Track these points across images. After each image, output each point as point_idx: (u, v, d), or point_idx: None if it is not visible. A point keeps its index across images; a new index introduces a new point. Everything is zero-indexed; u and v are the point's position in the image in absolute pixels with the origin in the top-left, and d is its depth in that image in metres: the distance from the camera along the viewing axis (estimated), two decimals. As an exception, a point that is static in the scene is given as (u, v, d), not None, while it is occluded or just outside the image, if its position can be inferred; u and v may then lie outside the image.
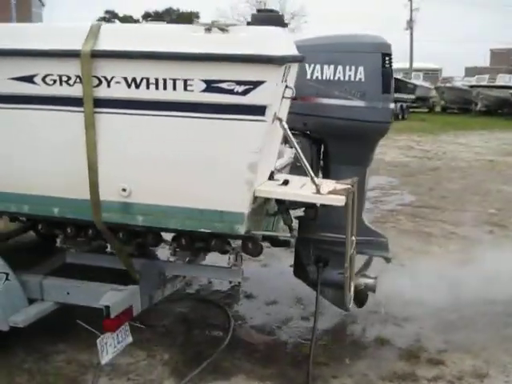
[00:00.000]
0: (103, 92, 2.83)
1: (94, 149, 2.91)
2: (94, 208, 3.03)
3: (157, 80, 2.75)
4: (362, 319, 4.05)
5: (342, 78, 3.53)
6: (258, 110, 2.70)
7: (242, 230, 2.89)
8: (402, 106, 23.69)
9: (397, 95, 25.06)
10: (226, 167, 2.80)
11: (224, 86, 2.69)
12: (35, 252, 3.96)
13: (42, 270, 3.68)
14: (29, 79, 2.91)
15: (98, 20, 33.84)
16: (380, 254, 3.92)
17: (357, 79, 3.50)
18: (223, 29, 2.68)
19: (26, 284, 3.44)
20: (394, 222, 6.38)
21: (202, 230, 2.99)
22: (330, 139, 3.73)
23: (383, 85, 3.52)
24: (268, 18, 2.91)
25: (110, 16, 33.87)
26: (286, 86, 2.85)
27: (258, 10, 3.01)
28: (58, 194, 3.09)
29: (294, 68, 2.97)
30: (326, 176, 3.79)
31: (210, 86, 2.70)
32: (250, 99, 2.68)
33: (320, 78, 3.57)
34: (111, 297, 3.20)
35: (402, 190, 8.25)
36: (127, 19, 33.79)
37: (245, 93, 2.68)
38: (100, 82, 2.82)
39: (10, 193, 3.16)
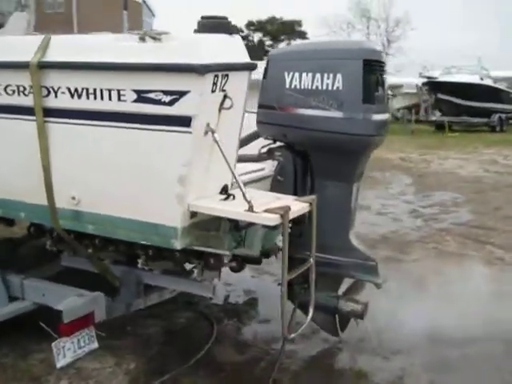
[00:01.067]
0: (51, 102, 2.91)
1: (46, 157, 3.00)
2: (52, 214, 3.12)
3: (95, 90, 2.76)
4: (349, 347, 3.74)
5: (319, 87, 3.29)
6: (184, 121, 2.60)
7: (177, 244, 2.80)
8: (500, 117, 21.92)
9: (497, 105, 23.46)
10: (158, 180, 2.74)
11: (152, 96, 2.64)
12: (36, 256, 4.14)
13: (39, 273, 3.84)
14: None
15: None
16: (367, 279, 3.59)
17: (334, 88, 3.25)
18: (155, 38, 2.63)
19: (9, 283, 3.62)
20: (438, 242, 5.84)
21: (143, 242, 2.95)
22: (312, 152, 3.50)
23: (364, 94, 3.22)
24: (213, 24, 2.78)
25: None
26: (225, 96, 2.72)
27: (203, 17, 2.89)
28: (22, 198, 3.22)
29: (239, 77, 2.82)
30: (311, 192, 3.57)
31: (141, 96, 2.67)
32: (176, 110, 2.60)
33: (298, 87, 3.36)
34: (70, 302, 3.27)
35: (463, 208, 7.54)
36: (233, 28, 34.69)
37: (171, 103, 2.61)
38: (48, 92, 2.90)
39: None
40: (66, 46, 2.90)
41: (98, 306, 3.37)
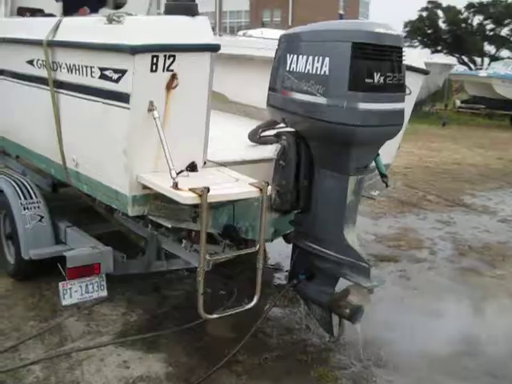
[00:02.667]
0: (58, 75, 3.35)
1: (58, 122, 3.47)
2: (65, 173, 3.62)
3: (78, 66, 3.11)
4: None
5: (310, 71, 3.11)
6: (124, 98, 2.78)
7: (130, 211, 3.02)
8: None
9: None
10: (113, 150, 2.97)
11: (107, 73, 2.87)
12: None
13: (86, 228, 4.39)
14: (31, 62, 3.65)
15: (420, 10, 33.29)
16: (356, 280, 3.32)
17: (322, 72, 3.04)
18: (118, 20, 2.83)
19: (58, 229, 4.27)
20: None
21: (113, 206, 3.24)
22: (309, 139, 3.34)
23: (350, 80, 2.95)
24: (175, 7, 2.87)
25: (432, 6, 32.57)
26: (174, 76, 2.79)
27: (171, 1, 2.96)
28: (48, 156, 3.80)
29: (195, 57, 2.84)
30: (310, 180, 3.43)
31: (102, 74, 2.92)
32: (120, 87, 2.80)
33: (295, 70, 3.22)
34: (76, 251, 3.75)
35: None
36: (450, 9, 31.99)
37: (117, 81, 2.81)
38: (56, 66, 3.34)
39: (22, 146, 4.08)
40: (65, 27, 3.29)
41: (105, 259, 3.78)
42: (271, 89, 3.46)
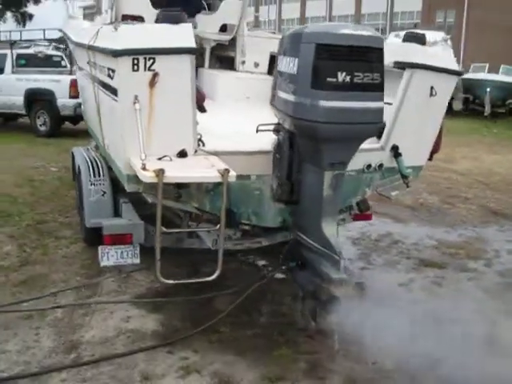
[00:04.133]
0: (95, 73, 4.07)
1: (98, 113, 4.21)
2: (105, 151, 4.36)
3: (101, 66, 3.77)
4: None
5: (287, 71, 3.38)
6: (115, 92, 3.36)
7: (127, 187, 3.60)
8: None
9: None
10: (117, 136, 3.57)
11: (110, 72, 3.48)
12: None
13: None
14: (87, 62, 4.44)
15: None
16: (327, 271, 3.47)
17: (293, 72, 3.29)
18: (115, 29, 3.43)
19: (117, 204, 5.03)
20: None
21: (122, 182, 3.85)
22: (295, 133, 3.57)
23: (313, 79, 3.15)
24: (163, 16, 3.36)
25: None
26: (155, 75, 3.27)
27: (161, 10, 3.40)
28: (99, 140, 4.57)
29: (175, 59, 3.29)
30: (298, 172, 3.66)
31: (108, 72, 3.54)
32: (113, 83, 3.39)
33: (281, 69, 3.51)
34: (115, 222, 4.44)
35: None
36: None
37: (112, 78, 3.40)
38: (94, 66, 4.06)
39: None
40: (100, 34, 3.97)
41: (136, 231, 4.40)
42: (273, 88, 3.76)
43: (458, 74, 4.22)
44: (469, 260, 5.30)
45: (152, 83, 3.31)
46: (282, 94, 3.46)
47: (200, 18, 6.76)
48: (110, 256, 4.40)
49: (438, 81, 4.07)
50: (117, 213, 4.99)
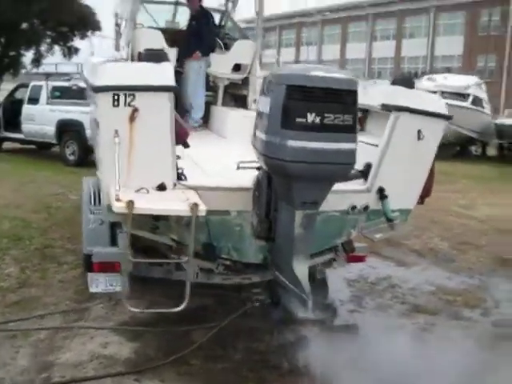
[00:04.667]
0: (91, 107, 4.28)
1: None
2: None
3: (92, 101, 3.97)
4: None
5: (262, 110, 3.49)
6: (97, 124, 3.53)
7: (108, 217, 3.73)
8: None
9: None
10: (101, 165, 3.72)
11: (95, 106, 3.66)
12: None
13: None
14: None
15: None
16: (294, 310, 3.50)
17: (266, 111, 3.39)
18: (103, 66, 3.65)
19: (115, 233, 5.17)
20: None
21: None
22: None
23: (283, 119, 3.24)
24: (146, 55, 3.58)
25: None
26: (135, 110, 3.43)
27: (145, 49, 3.58)
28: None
29: (154, 96, 3.45)
30: (275, 210, 3.72)
31: (95, 107, 3.73)
32: (97, 116, 3.56)
33: (258, 108, 3.62)
34: (104, 250, 4.56)
35: None
36: None
37: (95, 111, 3.58)
38: (91, 101, 4.27)
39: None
40: (95, 70, 4.18)
41: (124, 260, 4.52)
42: (254, 128, 3.86)
43: (446, 118, 4.23)
44: (465, 308, 5.17)
45: (132, 118, 3.46)
46: (258, 133, 3.56)
47: (214, 57, 7.02)
48: (98, 283, 4.51)
49: (426, 124, 4.10)
50: (114, 242, 5.15)
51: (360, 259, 4.98)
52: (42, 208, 7.87)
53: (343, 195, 4.15)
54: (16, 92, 14.08)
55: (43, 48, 26.51)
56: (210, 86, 7.20)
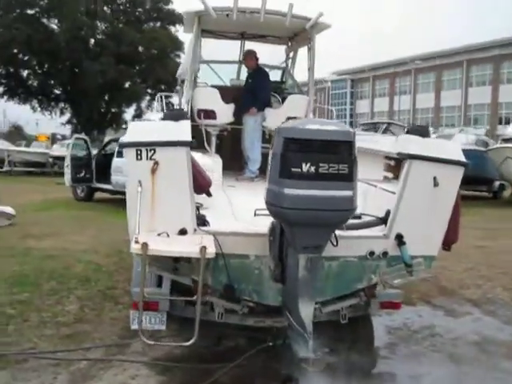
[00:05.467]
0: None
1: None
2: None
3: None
4: None
5: (269, 161, 3.77)
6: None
7: (135, 259, 4.14)
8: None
9: None
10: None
11: (127, 160, 4.16)
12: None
13: None
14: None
15: None
16: (296, 348, 3.65)
17: (269, 162, 3.69)
18: (127, 125, 4.17)
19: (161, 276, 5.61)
20: None
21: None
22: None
23: (281, 169, 3.51)
24: (167, 115, 4.05)
25: None
26: (156, 163, 3.87)
27: (168, 109, 3.99)
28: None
29: (173, 150, 3.88)
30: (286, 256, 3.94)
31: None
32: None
33: (269, 160, 3.91)
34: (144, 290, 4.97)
35: None
36: None
37: (127, 165, 4.08)
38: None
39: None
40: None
41: (162, 300, 4.90)
42: None
43: (462, 164, 4.27)
44: (506, 360, 4.96)
45: (153, 170, 3.92)
46: (266, 183, 3.86)
47: (269, 111, 7.48)
48: (139, 321, 4.93)
49: (441, 171, 4.17)
50: (160, 284, 5.58)
51: (394, 306, 4.98)
52: (114, 253, 8.58)
53: (361, 241, 4.30)
54: (107, 146, 15.51)
55: (143, 104, 28.91)
56: (266, 138, 7.60)
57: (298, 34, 7.79)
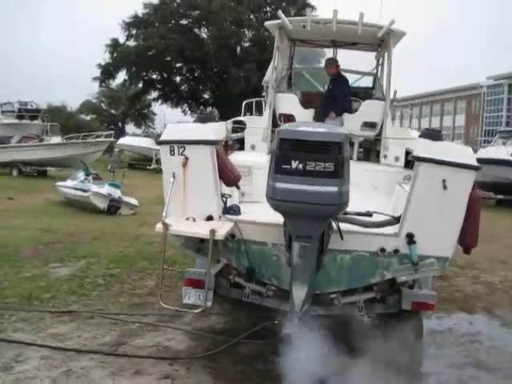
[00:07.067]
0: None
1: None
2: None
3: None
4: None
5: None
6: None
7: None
8: None
9: None
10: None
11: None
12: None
13: None
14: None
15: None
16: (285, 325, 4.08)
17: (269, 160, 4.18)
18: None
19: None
20: None
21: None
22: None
23: (275, 166, 3.99)
24: (198, 118, 4.72)
25: None
26: (186, 158, 4.58)
27: (198, 113, 4.57)
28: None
29: (199, 147, 4.54)
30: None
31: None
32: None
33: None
34: (194, 270, 5.69)
35: None
36: None
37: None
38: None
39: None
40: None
41: (207, 279, 5.58)
42: None
43: (474, 168, 4.33)
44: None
45: (184, 164, 4.64)
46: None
47: (346, 116, 7.79)
48: (190, 296, 5.64)
49: (451, 174, 4.30)
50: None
51: (427, 307, 5.06)
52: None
53: (372, 237, 4.59)
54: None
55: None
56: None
57: (383, 41, 7.99)
